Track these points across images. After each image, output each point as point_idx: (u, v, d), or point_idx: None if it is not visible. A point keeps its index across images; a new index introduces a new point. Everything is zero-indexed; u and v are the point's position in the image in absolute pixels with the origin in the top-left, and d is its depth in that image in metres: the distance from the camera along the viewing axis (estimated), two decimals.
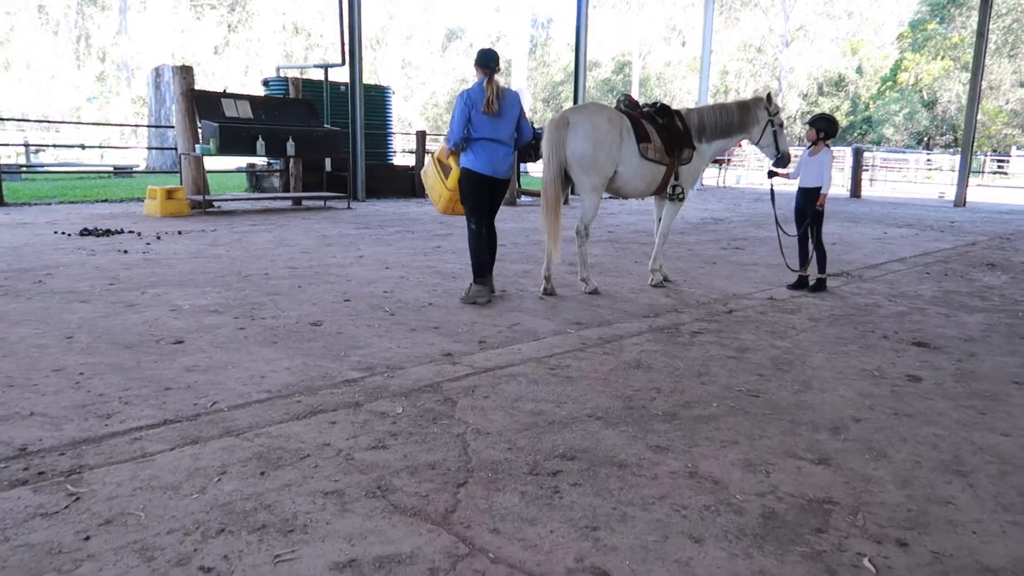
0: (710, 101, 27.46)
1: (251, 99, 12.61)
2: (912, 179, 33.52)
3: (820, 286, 6.80)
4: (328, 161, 13.72)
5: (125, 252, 7.71)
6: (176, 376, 3.82)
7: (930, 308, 6.16)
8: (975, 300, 6.59)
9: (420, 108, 61.95)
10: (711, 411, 3.51)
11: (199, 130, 11.78)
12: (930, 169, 37.15)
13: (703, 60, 23.34)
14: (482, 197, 5.76)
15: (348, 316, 5.25)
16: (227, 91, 12.49)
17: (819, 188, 6.67)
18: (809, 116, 6.84)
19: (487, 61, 5.68)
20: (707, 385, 3.90)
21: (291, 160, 13.19)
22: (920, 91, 48.83)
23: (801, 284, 6.85)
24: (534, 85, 58.09)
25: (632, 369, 4.15)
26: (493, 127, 5.67)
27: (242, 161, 16.96)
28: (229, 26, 52.06)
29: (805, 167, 6.68)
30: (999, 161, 39.06)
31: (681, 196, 6.62)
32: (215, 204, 12.21)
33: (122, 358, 4.11)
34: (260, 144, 11.71)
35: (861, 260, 8.86)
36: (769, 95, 6.88)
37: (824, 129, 6.61)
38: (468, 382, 3.83)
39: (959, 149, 43.63)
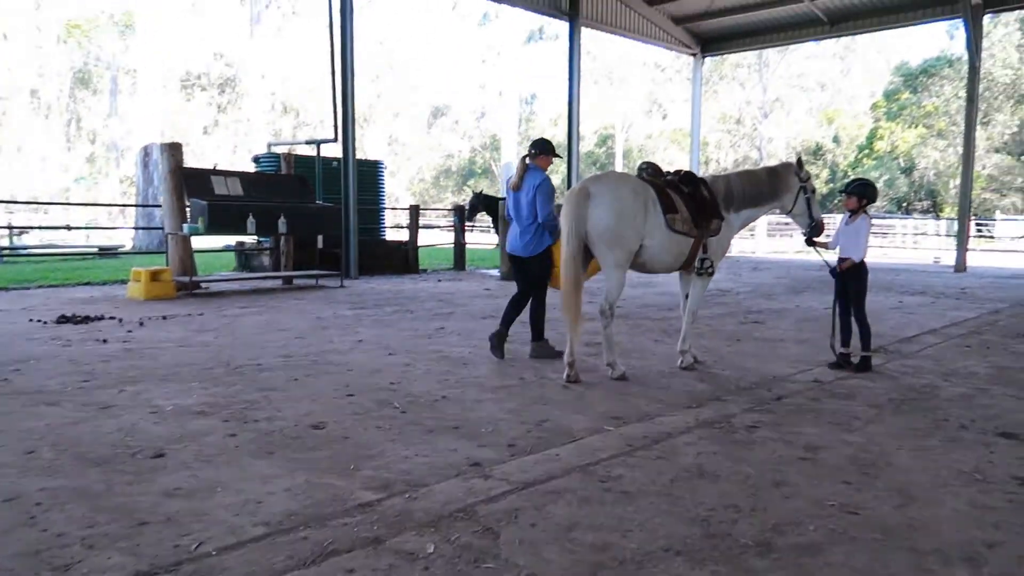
0: (703, 171, 27.52)
1: (242, 176, 12.18)
2: (900, 244, 33.55)
3: (865, 365, 6.23)
4: (320, 238, 13.24)
5: (104, 342, 7.06)
6: (154, 504, 3.16)
7: (993, 388, 5.60)
8: None
9: (407, 183, 62.42)
10: (810, 537, 2.88)
11: (187, 209, 11.30)
12: (916, 234, 37.33)
13: (693, 132, 23.44)
14: (512, 271, 6.70)
15: (353, 415, 4.61)
16: (216, 168, 12.06)
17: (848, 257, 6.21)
18: (845, 183, 6.43)
19: (530, 148, 6.49)
20: (790, 499, 3.28)
21: (283, 237, 12.68)
22: (897, 158, 49.72)
23: (843, 363, 6.29)
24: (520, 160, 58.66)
25: (696, 479, 3.52)
26: (514, 207, 6.44)
27: (232, 239, 16.49)
28: (219, 107, 52.56)
29: (845, 236, 6.22)
30: (979, 225, 39.33)
31: (710, 270, 6.10)
32: (202, 285, 11.61)
33: (90, 479, 3.44)
34: (251, 222, 11.20)
35: (890, 332, 8.33)
36: (799, 160, 6.48)
37: (864, 196, 6.17)
38: (507, 503, 3.19)
39: (939, 214, 44.17)
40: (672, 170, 6.28)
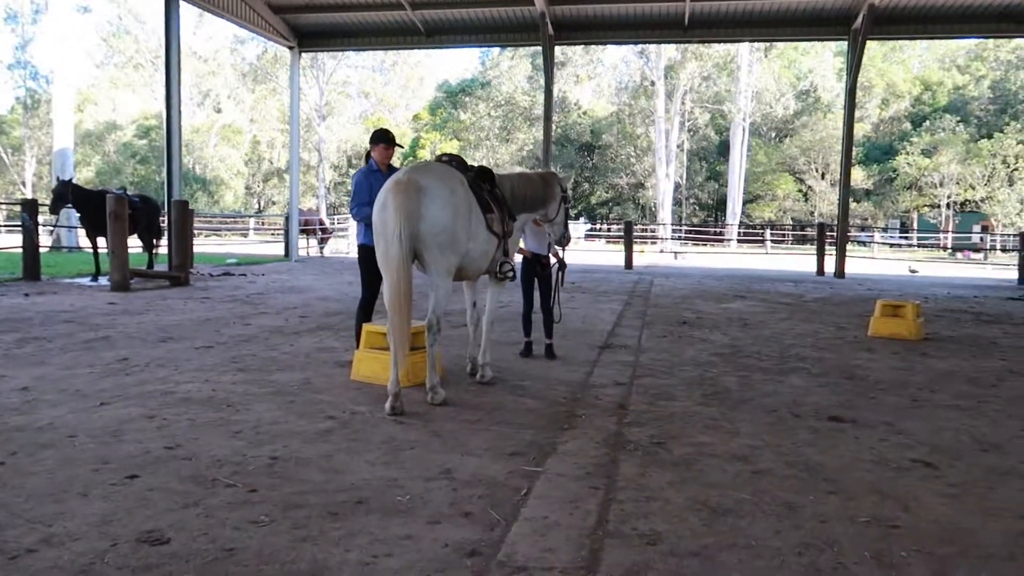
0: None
1: None
2: None
3: (551, 352, 6.81)
4: None
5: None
6: None
7: (753, 375, 6.14)
8: (753, 360, 6.86)
9: None
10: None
11: None
12: None
13: (292, 127, 22.30)
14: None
15: (198, 517, 3.01)
16: None
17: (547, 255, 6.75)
18: None
19: None
20: (827, 523, 3.05)
21: None
22: None
23: (529, 351, 6.85)
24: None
25: (722, 515, 3.07)
26: None
27: None
28: None
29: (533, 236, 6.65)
30: None
31: (512, 275, 5.62)
32: None
33: None
34: None
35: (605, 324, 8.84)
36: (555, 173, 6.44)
37: None
38: None
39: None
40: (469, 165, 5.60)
